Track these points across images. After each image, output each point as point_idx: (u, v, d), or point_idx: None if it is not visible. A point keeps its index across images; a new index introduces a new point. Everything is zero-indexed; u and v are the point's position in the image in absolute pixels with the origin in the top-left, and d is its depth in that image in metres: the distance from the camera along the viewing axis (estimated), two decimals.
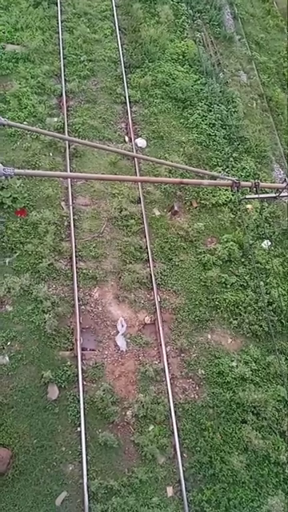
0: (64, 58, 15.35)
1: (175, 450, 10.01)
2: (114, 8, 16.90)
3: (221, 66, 16.64)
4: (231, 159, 14.36)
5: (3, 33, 15.25)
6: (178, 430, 10.19)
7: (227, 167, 14.14)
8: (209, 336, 11.55)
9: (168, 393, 10.52)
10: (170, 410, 10.35)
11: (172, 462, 9.97)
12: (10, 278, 11.18)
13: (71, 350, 10.73)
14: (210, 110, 15.13)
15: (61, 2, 16.61)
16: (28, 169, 12.59)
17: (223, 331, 11.68)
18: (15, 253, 11.63)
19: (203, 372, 11.02)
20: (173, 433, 10.15)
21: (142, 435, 10.06)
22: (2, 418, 9.72)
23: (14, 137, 13.39)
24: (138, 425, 10.18)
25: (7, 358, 10.37)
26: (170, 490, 9.71)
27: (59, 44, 15.60)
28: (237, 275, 12.41)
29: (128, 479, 9.61)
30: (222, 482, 9.90)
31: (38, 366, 10.38)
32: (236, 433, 10.42)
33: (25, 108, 13.92)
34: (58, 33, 15.85)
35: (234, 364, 11.21)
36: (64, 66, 15.19)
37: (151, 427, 10.21)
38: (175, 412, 10.37)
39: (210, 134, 14.67)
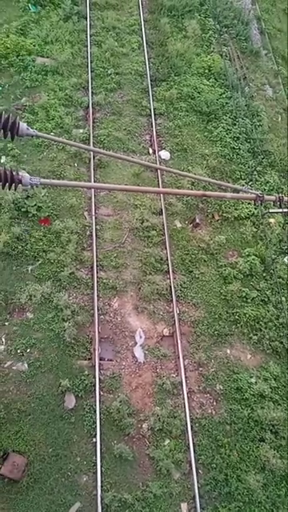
0: (92, 71, 15.63)
1: (191, 465, 9.86)
2: (142, 22, 17.17)
3: (247, 80, 16.67)
4: (255, 173, 14.29)
5: (34, 46, 15.65)
6: (194, 446, 10.05)
7: (251, 181, 14.07)
8: (228, 351, 11.41)
9: (185, 407, 10.41)
10: (186, 424, 10.23)
11: (187, 477, 9.81)
12: (32, 286, 11.32)
13: (89, 359, 10.74)
14: (235, 124, 15.13)
15: (90, 17, 16.98)
16: (53, 179, 12.80)
17: (243, 346, 11.52)
18: (38, 261, 11.78)
19: (221, 387, 10.87)
20: (189, 448, 10.02)
21: (157, 449, 9.95)
22: (19, 424, 9.77)
23: (40, 147, 13.65)
24: (153, 438, 10.09)
25: (26, 365, 10.45)
26: (184, 507, 9.55)
27: (87, 57, 15.91)
28: (258, 290, 12.26)
29: (142, 493, 9.50)
30: (238, 500, 9.69)
31: (56, 374, 10.43)
32: (253, 451, 10.21)
33: (52, 119, 14.20)
34: (87, 46, 16.18)
35: (253, 380, 11.02)
36: (91, 78, 15.46)
37: (167, 441, 10.09)
38: (191, 427, 10.24)
39: (233, 148, 14.65)
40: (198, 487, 9.68)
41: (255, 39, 18.11)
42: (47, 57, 15.62)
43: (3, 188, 5.32)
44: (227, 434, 10.35)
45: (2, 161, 13.18)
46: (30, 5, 16.75)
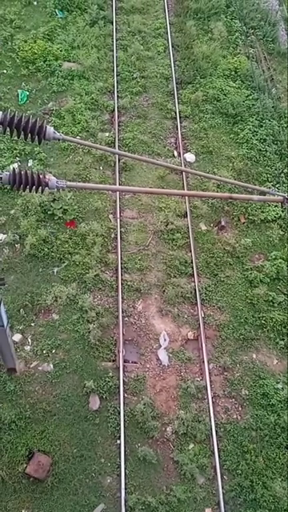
0: (117, 75, 15.75)
1: (215, 471, 9.75)
2: (168, 25, 17.21)
3: (274, 82, 16.46)
4: (282, 175, 14.08)
5: (60, 51, 15.89)
6: (218, 451, 9.94)
7: (278, 183, 13.87)
8: (254, 355, 11.24)
9: (209, 411, 10.31)
10: (211, 429, 10.12)
11: (212, 483, 9.71)
12: (58, 287, 11.45)
13: (113, 361, 10.78)
14: (261, 126, 14.95)
15: (116, 21, 17.13)
16: (79, 181, 12.94)
17: (269, 351, 11.34)
18: (63, 263, 11.91)
19: (247, 392, 10.71)
20: (213, 453, 9.91)
21: (181, 453, 9.88)
22: (44, 424, 9.88)
23: (66, 151, 13.83)
24: (177, 442, 10.03)
25: (51, 366, 10.57)
26: None
27: (113, 61, 16.04)
28: (285, 294, 12.05)
29: (166, 497, 9.44)
30: (263, 507, 9.51)
31: (80, 375, 10.50)
32: (280, 458, 10.01)
33: (78, 123, 14.37)
34: (113, 51, 16.32)
35: (280, 386, 10.82)
36: (117, 82, 15.58)
37: (191, 445, 10.02)
38: (216, 432, 10.13)
39: (260, 150, 14.48)
40: (223, 493, 9.56)
41: (282, 40, 17.87)
42: (74, 61, 15.83)
43: (30, 191, 5.41)
44: (253, 440, 10.19)
45: (29, 164, 13.41)
46: (56, 10, 17.03)
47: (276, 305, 11.85)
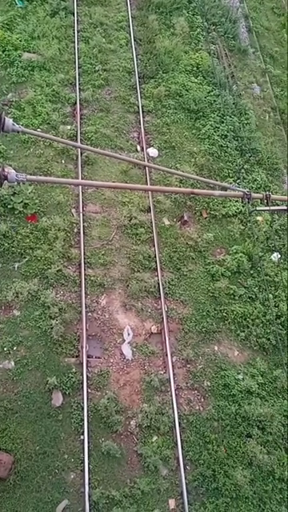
0: (79, 67, 15.53)
1: (178, 462, 9.90)
2: (130, 19, 17.11)
3: (234, 79, 16.73)
4: (243, 171, 14.37)
5: (20, 41, 15.49)
6: (181, 442, 10.09)
7: (238, 178, 14.14)
8: (215, 347, 11.47)
9: (173, 404, 10.44)
10: (174, 421, 10.26)
11: (175, 474, 9.85)
12: (19, 283, 11.23)
13: (77, 356, 10.71)
14: (223, 122, 15.17)
15: (78, 12, 16.86)
16: (40, 175, 12.71)
17: (230, 343, 11.59)
18: (24, 258, 11.69)
19: (209, 384, 10.93)
20: (176, 444, 10.05)
21: (145, 446, 9.97)
22: (6, 423, 9.70)
23: (27, 143, 13.53)
24: (141, 435, 10.10)
25: (13, 363, 10.37)
26: (172, 503, 9.59)
27: (75, 53, 15.80)
28: (245, 287, 12.34)
29: (130, 490, 9.51)
30: (225, 496, 9.76)
31: (43, 371, 10.37)
32: (240, 447, 10.29)
33: (39, 115, 14.08)
34: (74, 42, 16.07)
35: (241, 377, 11.10)
36: (79, 75, 15.36)
37: (155, 438, 10.12)
38: (179, 423, 10.28)
39: (221, 146, 14.70)
40: (186, 483, 9.73)
41: (243, 37, 18.18)
42: (34, 52, 15.48)
43: None
44: (215, 430, 10.41)
45: None
46: (16, 0, 16.57)
47: (237, 298, 12.12)
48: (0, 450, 9.35)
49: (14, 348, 10.55)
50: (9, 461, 9.24)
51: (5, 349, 10.49)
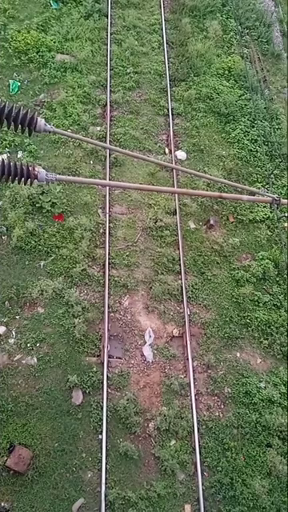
0: (111, 70, 15.66)
1: (196, 467, 9.82)
2: (163, 22, 17.14)
3: (267, 83, 16.53)
4: (272, 176, 14.17)
5: (54, 42, 15.73)
6: (199, 448, 10.01)
7: (267, 184, 13.95)
8: (237, 354, 11.33)
9: (192, 408, 10.37)
10: (193, 426, 10.19)
11: (192, 479, 9.78)
12: (44, 281, 11.38)
13: (98, 356, 10.77)
14: (253, 126, 15.01)
15: (111, 15, 17.01)
16: (69, 175, 12.85)
17: (253, 350, 11.43)
18: (50, 256, 11.84)
19: (229, 390, 10.80)
20: (194, 450, 9.98)
21: (162, 449, 9.93)
22: (26, 418, 9.84)
23: (57, 144, 13.72)
24: (159, 438, 10.07)
25: (35, 359, 10.51)
26: (188, 508, 9.51)
27: (107, 55, 15.94)
28: (270, 294, 12.15)
29: (146, 492, 9.49)
30: (242, 505, 9.62)
31: (64, 369, 10.47)
32: (260, 456, 10.12)
33: (69, 116, 14.26)
34: (107, 44, 16.21)
35: (263, 385, 10.93)
36: (110, 77, 15.49)
37: (173, 442, 10.07)
38: (198, 429, 10.20)
39: (251, 150, 14.55)
40: (203, 489, 9.63)
41: (277, 42, 17.95)
42: (67, 54, 15.69)
43: (19, 183, 5.35)
44: (234, 437, 10.28)
45: (18, 156, 13.28)
46: (51, 1, 16.84)
47: (261, 304, 11.95)
48: (20, 444, 9.48)
49: (37, 345, 10.69)
50: (28, 456, 9.36)
51: (28, 345, 10.65)
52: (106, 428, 9.91)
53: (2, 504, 9.05)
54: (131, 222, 12.83)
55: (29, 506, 9.12)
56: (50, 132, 5.24)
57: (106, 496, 9.30)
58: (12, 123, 5.01)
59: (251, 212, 13.37)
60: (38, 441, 9.66)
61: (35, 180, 5.35)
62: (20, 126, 5.06)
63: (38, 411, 9.96)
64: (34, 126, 5.07)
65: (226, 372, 11.02)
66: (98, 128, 14.34)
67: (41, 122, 5.10)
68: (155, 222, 12.75)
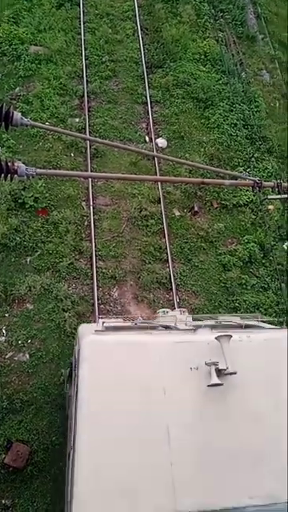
0: (86, 59, 15.45)
1: None
2: (136, 8, 16.92)
3: (243, 66, 16.50)
4: (253, 159, 14.22)
5: (26, 34, 15.43)
6: None
7: (249, 167, 14.00)
8: None
9: None
10: None
11: None
12: (31, 277, 11.31)
13: None
14: (232, 110, 15.00)
15: (83, 4, 16.73)
16: (50, 169, 12.72)
17: None
18: (36, 252, 11.76)
19: None
20: None
21: None
22: (22, 414, 9.84)
23: (36, 137, 13.54)
24: None
25: (27, 356, 10.49)
26: None
27: (81, 45, 15.71)
28: (257, 277, 12.28)
29: None
30: None
31: (57, 364, 10.47)
32: None
33: (47, 109, 14.06)
34: (80, 34, 15.96)
35: None
36: (86, 66, 15.28)
37: None
38: None
39: (231, 134, 14.55)
40: None
41: (251, 24, 17.88)
42: (41, 45, 15.42)
43: None
44: None
45: None
46: None
47: (249, 287, 12.06)
48: (17, 441, 9.49)
49: (29, 341, 10.66)
50: (26, 451, 9.39)
51: (19, 342, 10.61)
52: None
53: (3, 501, 9.09)
54: (116, 212, 12.79)
55: (30, 501, 9.17)
56: (27, 126, 5.18)
57: None
58: None
59: (234, 196, 13.42)
60: (35, 436, 9.68)
61: (15, 175, 5.29)
62: None
63: (33, 407, 9.97)
64: (10, 120, 5.00)
65: None
66: (77, 119, 14.18)
67: (17, 115, 5.02)
68: (140, 212, 12.73)
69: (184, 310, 8.42)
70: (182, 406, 5.74)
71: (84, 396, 5.77)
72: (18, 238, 11.78)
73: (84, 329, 6.61)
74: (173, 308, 10.88)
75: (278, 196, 6.95)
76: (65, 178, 12.95)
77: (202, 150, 14.16)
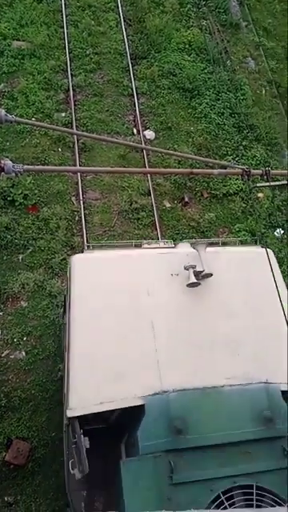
0: (70, 53, 15.29)
1: None
2: None
3: (228, 54, 16.44)
4: (241, 148, 14.22)
5: (8, 30, 15.23)
6: None
7: (237, 156, 14.01)
8: None
9: None
10: None
11: None
12: (24, 274, 11.28)
13: None
14: (218, 99, 14.97)
15: None
16: (38, 165, 12.63)
17: None
18: (28, 249, 11.71)
19: None
20: None
21: None
22: (21, 412, 9.86)
23: (22, 134, 13.42)
24: None
25: (24, 353, 10.49)
26: None
27: (64, 38, 15.54)
28: None
29: None
30: None
31: (54, 360, 10.48)
32: None
33: (32, 104, 13.93)
34: (63, 27, 15.79)
35: None
36: (70, 60, 15.14)
37: None
38: None
39: (218, 124, 14.53)
40: None
41: (234, 11, 17.79)
42: (23, 40, 15.22)
43: None
44: None
45: None
46: None
47: None
48: (17, 438, 9.52)
49: (24, 338, 10.65)
50: (26, 448, 9.42)
51: (15, 340, 10.60)
52: None
53: (6, 498, 9.13)
54: (106, 206, 12.75)
55: (32, 497, 9.21)
56: (12, 122, 5.14)
57: None
58: None
59: (224, 186, 13.43)
60: (34, 433, 9.71)
61: (2, 173, 5.26)
62: None
63: (31, 404, 9.98)
64: None
65: None
66: (63, 114, 14.06)
67: (1, 112, 4.99)
68: (130, 205, 12.70)
69: (167, 241, 9.21)
70: (164, 304, 6.46)
71: (76, 302, 6.44)
72: (9, 236, 11.71)
73: (75, 257, 7.27)
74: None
75: (267, 184, 6.96)
76: (53, 173, 12.88)
77: (190, 140, 14.14)
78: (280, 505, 5.05)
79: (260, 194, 13.58)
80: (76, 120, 13.95)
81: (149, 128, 14.39)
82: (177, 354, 6.12)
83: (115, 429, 6.05)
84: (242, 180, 11.96)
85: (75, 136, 13.59)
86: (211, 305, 6.60)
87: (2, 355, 10.41)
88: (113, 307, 6.34)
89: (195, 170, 7.55)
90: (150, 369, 5.92)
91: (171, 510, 4.59)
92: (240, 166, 6.65)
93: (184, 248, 7.17)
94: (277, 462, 5.46)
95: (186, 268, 6.55)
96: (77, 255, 7.30)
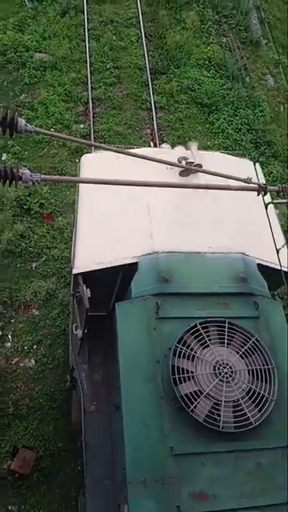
0: (90, 66, 15.56)
1: None
2: (140, 15, 17.04)
3: (247, 71, 16.53)
4: (257, 163, 14.18)
5: (31, 42, 15.59)
6: None
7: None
8: None
9: None
10: None
11: None
12: (37, 283, 11.34)
13: None
14: (236, 115, 15.02)
15: (87, 11, 16.88)
16: (55, 175, 12.78)
17: None
18: (42, 258, 11.79)
19: None
20: None
21: None
22: (28, 420, 9.82)
23: (41, 144, 13.63)
24: None
25: (33, 362, 10.49)
26: None
27: (86, 52, 15.83)
28: None
29: None
30: None
31: (63, 370, 10.46)
32: None
33: (52, 115, 14.16)
34: (85, 41, 16.09)
35: None
36: (90, 73, 15.39)
37: None
38: None
39: (236, 139, 14.56)
40: None
41: (255, 29, 17.95)
42: (45, 52, 15.56)
43: (4, 185, 5.31)
44: None
45: (3, 158, 13.18)
46: (26, 0, 16.68)
47: None
48: (23, 447, 9.47)
49: (34, 347, 10.66)
50: (32, 458, 9.36)
51: (25, 348, 10.61)
52: None
53: (10, 507, 9.06)
54: None
55: (36, 507, 9.12)
56: (31, 132, 5.19)
57: None
58: None
59: None
60: (41, 442, 9.65)
61: (20, 181, 5.32)
62: (1, 127, 5.01)
63: (39, 413, 9.95)
64: (15, 127, 5.03)
65: None
66: (82, 125, 14.26)
67: (21, 122, 5.04)
68: None
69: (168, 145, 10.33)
70: (159, 190, 7.24)
71: (84, 190, 7.69)
72: (23, 244, 11.82)
73: (84, 156, 8.29)
74: None
75: (284, 200, 6.92)
76: (70, 183, 13.01)
77: None
78: (249, 339, 5.92)
79: (276, 211, 13.48)
80: (94, 132, 14.12)
81: (166, 142, 14.47)
82: (168, 229, 7.07)
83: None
84: (257, 195, 11.93)
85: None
86: (200, 191, 7.22)
87: (12, 363, 10.43)
88: (115, 193, 7.25)
89: (211, 185, 7.50)
90: (145, 238, 6.90)
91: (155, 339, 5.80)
92: (256, 182, 6.62)
93: (180, 150, 8.20)
94: (249, 311, 6.30)
95: (179, 160, 7.49)
96: (86, 155, 8.33)
